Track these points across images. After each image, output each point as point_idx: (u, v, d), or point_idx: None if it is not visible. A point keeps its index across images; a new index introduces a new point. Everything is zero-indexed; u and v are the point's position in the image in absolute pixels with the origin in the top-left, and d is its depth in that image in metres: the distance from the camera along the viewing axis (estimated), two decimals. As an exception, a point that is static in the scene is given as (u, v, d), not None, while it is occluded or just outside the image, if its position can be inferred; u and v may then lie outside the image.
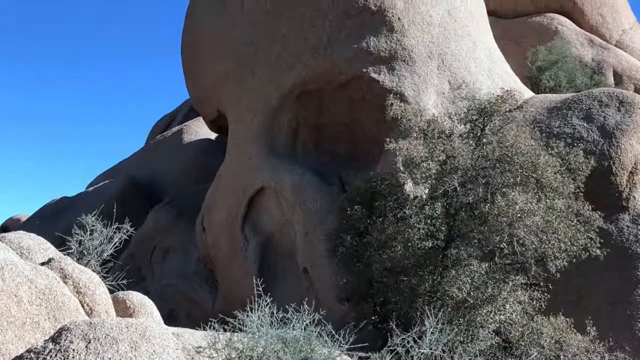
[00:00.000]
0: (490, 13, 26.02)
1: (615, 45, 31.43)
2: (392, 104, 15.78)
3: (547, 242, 13.48)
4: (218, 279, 22.69)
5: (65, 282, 9.31)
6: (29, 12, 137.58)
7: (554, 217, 13.63)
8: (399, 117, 15.58)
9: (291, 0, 20.49)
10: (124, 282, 13.04)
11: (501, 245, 13.58)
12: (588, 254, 14.11)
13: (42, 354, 6.99)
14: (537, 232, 13.39)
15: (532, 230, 13.33)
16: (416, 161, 14.12)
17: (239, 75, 21.87)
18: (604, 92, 18.67)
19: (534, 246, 13.42)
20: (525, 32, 31.18)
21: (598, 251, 14.11)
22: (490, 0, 29.66)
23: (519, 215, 13.20)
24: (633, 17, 34.17)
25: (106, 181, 33.00)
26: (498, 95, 15.04)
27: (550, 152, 14.64)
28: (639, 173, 16.94)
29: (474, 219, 13.91)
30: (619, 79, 29.17)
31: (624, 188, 16.81)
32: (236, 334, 9.44)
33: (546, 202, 13.81)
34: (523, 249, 13.45)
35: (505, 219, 13.24)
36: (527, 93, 21.34)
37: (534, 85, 26.36)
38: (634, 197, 16.85)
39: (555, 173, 14.08)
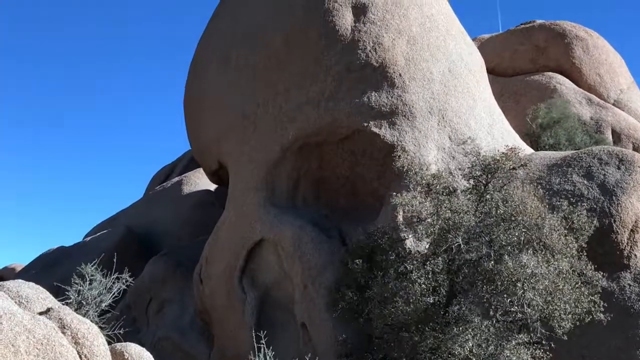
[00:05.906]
0: (489, 71, 26.35)
1: (613, 105, 31.78)
2: (399, 157, 15.86)
3: (553, 303, 13.39)
4: (214, 332, 22.38)
5: (63, 333, 9.17)
6: (30, 59, 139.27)
7: (560, 279, 13.58)
8: (405, 170, 15.63)
9: (294, 55, 20.74)
10: (120, 331, 12.89)
11: (512, 309, 13.50)
12: (591, 317, 14.03)
13: (39, 407, 6.84)
14: (545, 295, 13.32)
15: (541, 293, 13.26)
16: (422, 217, 14.12)
17: (241, 127, 21.96)
18: (603, 150, 18.78)
19: (539, 307, 13.33)
20: (524, 90, 31.57)
21: (602, 315, 14.05)
22: (490, 58, 30.11)
23: (530, 279, 13.15)
24: (630, 78, 34.64)
25: (104, 231, 32.79)
26: (502, 153, 15.12)
27: (553, 214, 14.62)
28: (639, 231, 16.93)
29: (477, 276, 13.83)
30: (617, 138, 29.42)
31: (625, 246, 16.77)
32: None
33: (555, 264, 13.76)
34: (529, 309, 13.36)
35: (519, 283, 13.17)
36: (527, 150, 21.47)
37: (534, 142, 26.54)
38: (635, 255, 16.80)
39: (559, 236, 14.06)
